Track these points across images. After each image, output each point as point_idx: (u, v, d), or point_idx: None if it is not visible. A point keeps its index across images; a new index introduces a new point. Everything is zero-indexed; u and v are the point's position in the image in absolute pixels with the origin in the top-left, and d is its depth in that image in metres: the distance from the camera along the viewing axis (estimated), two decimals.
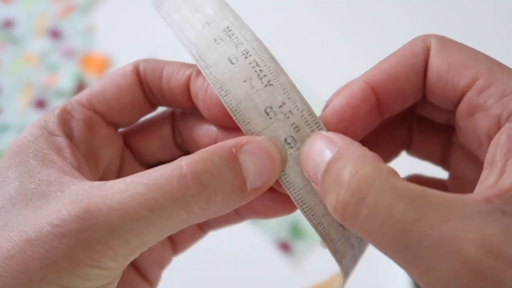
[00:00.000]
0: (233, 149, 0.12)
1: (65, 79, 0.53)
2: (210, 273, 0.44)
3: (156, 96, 0.15)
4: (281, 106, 0.14)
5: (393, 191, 0.11)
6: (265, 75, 0.14)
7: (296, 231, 0.46)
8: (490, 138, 0.12)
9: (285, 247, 0.45)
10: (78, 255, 0.10)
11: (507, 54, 0.49)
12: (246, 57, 0.14)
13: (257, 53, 0.14)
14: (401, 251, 0.10)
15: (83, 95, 0.15)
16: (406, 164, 0.17)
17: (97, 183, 0.12)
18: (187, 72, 0.15)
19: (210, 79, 0.14)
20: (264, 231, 0.45)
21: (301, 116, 0.14)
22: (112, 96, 0.15)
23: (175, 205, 0.11)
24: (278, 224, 0.45)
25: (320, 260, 0.44)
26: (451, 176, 0.15)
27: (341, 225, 0.14)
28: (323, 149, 0.12)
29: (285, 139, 0.13)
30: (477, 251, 0.10)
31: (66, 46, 0.55)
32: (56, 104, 0.51)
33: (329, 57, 0.55)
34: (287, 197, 0.14)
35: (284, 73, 0.14)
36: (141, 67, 0.16)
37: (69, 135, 0.14)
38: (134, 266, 0.15)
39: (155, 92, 0.16)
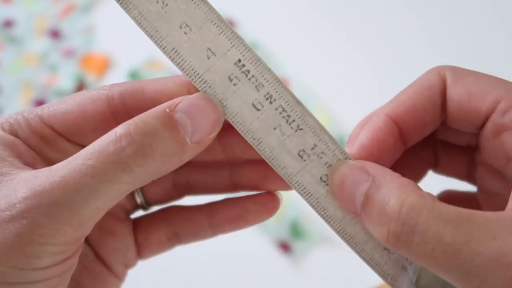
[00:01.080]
0: (167, 109, 0.13)
1: (65, 79, 0.52)
2: (210, 273, 0.44)
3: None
4: (313, 148, 0.14)
5: (440, 217, 0.12)
6: (293, 120, 0.14)
7: (296, 231, 0.46)
8: None
9: (285, 247, 0.45)
10: (25, 234, 0.11)
11: (507, 55, 0.49)
12: (271, 102, 0.14)
13: (281, 97, 0.14)
14: (454, 271, 0.11)
15: (46, 110, 0.14)
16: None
17: (46, 168, 0.12)
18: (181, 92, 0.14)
19: (239, 129, 0.14)
20: (264, 231, 0.45)
21: (333, 155, 0.14)
22: (74, 120, 0.14)
23: (115, 167, 0.11)
24: (278, 224, 0.45)
25: (320, 260, 0.45)
26: (479, 190, 0.16)
27: (385, 248, 0.15)
28: (356, 178, 0.13)
29: (321, 178, 0.15)
30: None
31: (66, 46, 0.55)
32: None
33: (325, 56, 0.55)
34: (270, 196, 0.15)
35: (311, 115, 0.14)
36: (116, 93, 0.15)
37: (25, 142, 0.14)
38: (101, 260, 0.16)
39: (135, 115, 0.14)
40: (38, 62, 0.54)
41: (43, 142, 0.14)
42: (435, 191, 0.17)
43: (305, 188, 0.15)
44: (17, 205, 0.11)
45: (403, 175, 0.14)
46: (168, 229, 0.17)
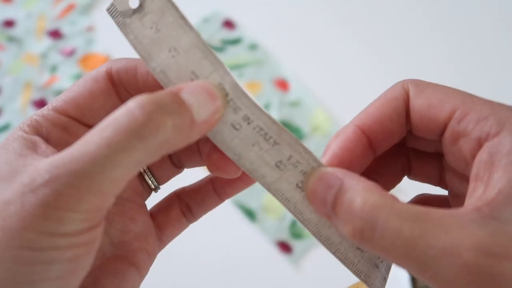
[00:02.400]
0: (173, 90, 0.14)
1: (65, 79, 0.52)
2: (210, 273, 0.44)
3: (134, 95, 0.14)
4: (289, 158, 0.15)
5: (399, 215, 0.13)
6: (270, 137, 0.15)
7: (296, 231, 0.46)
8: (474, 158, 0.14)
9: (285, 247, 0.45)
10: (49, 201, 0.12)
11: (507, 55, 0.49)
12: (248, 123, 0.15)
13: (258, 118, 0.15)
14: (412, 262, 0.13)
15: (58, 101, 0.16)
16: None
17: (66, 150, 0.13)
18: None
19: (220, 146, 0.15)
20: (264, 231, 0.45)
21: (307, 163, 0.15)
22: (84, 102, 0.15)
23: (128, 136, 0.12)
24: (278, 224, 0.46)
25: (320, 260, 0.45)
26: (450, 193, 0.17)
27: (358, 248, 0.16)
28: (327, 183, 0.14)
29: (297, 184, 0.16)
30: (473, 254, 0.12)
31: (66, 46, 0.55)
32: None
33: (325, 56, 0.55)
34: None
35: (286, 131, 0.15)
36: (114, 70, 0.16)
37: (45, 137, 0.15)
38: (123, 250, 0.17)
39: (133, 92, 0.16)
40: (38, 62, 0.53)
41: (64, 131, 0.15)
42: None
43: (283, 194, 0.16)
44: (39, 178, 0.12)
45: (378, 181, 0.16)
46: (181, 204, 0.18)
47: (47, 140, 0.14)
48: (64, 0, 0.58)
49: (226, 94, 0.14)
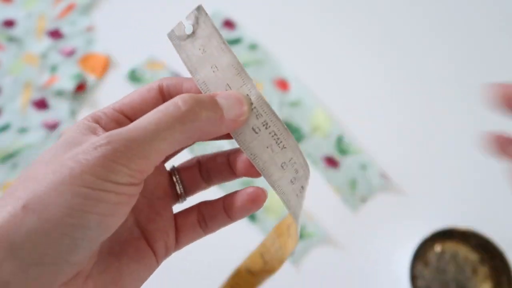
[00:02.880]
0: (210, 95, 0.18)
1: (65, 79, 0.52)
2: (210, 272, 0.43)
3: None
4: (290, 160, 0.19)
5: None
6: (281, 142, 0.18)
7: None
8: None
9: None
10: (107, 155, 0.15)
11: (507, 55, 0.49)
12: (266, 128, 0.18)
13: (274, 124, 0.18)
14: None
15: (117, 103, 0.19)
16: None
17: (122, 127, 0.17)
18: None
19: (241, 146, 0.19)
20: (264, 231, 0.45)
21: (299, 162, 0.19)
22: (138, 105, 0.19)
23: (172, 119, 0.16)
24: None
25: (319, 260, 0.45)
26: None
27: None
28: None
29: (291, 180, 0.19)
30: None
31: (66, 46, 0.55)
32: (56, 104, 0.51)
33: (325, 56, 0.55)
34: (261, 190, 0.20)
35: (291, 136, 0.19)
36: (164, 84, 0.19)
37: (103, 127, 0.18)
38: (145, 236, 0.19)
39: None
40: (38, 62, 0.53)
41: (118, 125, 0.18)
42: None
43: (282, 189, 0.19)
44: (101, 140, 0.16)
45: None
46: (198, 214, 0.21)
47: (104, 129, 0.18)
48: (64, 0, 0.57)
49: (251, 103, 0.18)
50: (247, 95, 0.18)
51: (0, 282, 0.14)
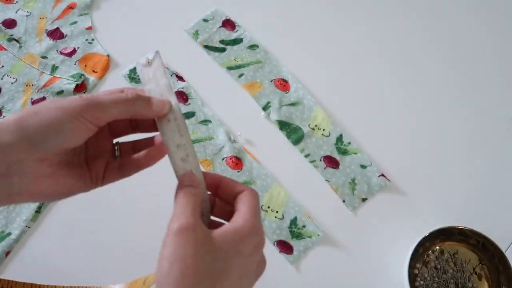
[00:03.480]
0: (147, 96, 0.29)
1: (65, 79, 0.51)
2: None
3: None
4: (184, 145, 0.30)
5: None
6: (180, 132, 0.30)
7: (296, 231, 0.46)
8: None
9: (285, 247, 0.45)
10: (84, 104, 0.25)
11: (507, 54, 0.48)
12: (174, 121, 0.30)
13: (180, 122, 0.30)
14: None
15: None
16: None
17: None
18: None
19: (158, 126, 0.29)
20: (264, 230, 0.45)
21: (190, 152, 0.30)
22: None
23: (121, 98, 0.27)
24: (278, 224, 0.45)
25: (319, 259, 0.45)
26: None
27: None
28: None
29: (182, 159, 0.29)
30: None
31: (66, 46, 0.54)
32: None
33: (324, 57, 0.55)
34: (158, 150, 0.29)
35: (187, 133, 0.30)
36: (126, 89, 0.29)
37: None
38: (87, 163, 0.30)
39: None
40: (38, 62, 0.53)
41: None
42: None
43: (174, 160, 0.29)
44: (82, 97, 0.26)
45: None
46: (119, 162, 0.30)
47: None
48: (64, 1, 0.57)
49: (171, 106, 0.30)
50: (170, 102, 0.30)
51: (3, 141, 0.24)
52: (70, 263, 0.43)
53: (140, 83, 0.51)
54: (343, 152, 0.49)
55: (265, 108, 0.50)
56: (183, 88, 0.51)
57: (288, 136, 0.49)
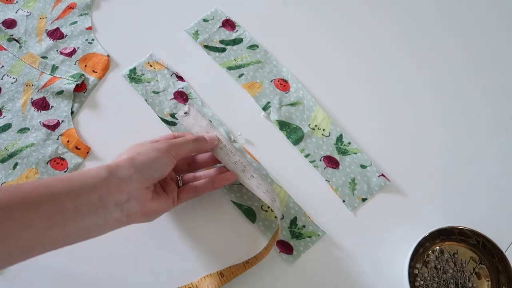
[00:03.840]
0: (203, 135, 0.43)
1: (65, 79, 0.51)
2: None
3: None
4: (239, 161, 0.42)
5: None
6: (232, 152, 0.43)
7: (295, 231, 0.45)
8: None
9: (285, 247, 0.45)
10: (167, 147, 0.37)
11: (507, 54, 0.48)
12: (225, 147, 0.42)
13: (229, 146, 0.42)
14: None
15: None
16: None
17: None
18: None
19: (215, 155, 0.43)
20: (265, 231, 0.45)
21: (245, 162, 0.43)
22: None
23: (189, 140, 0.40)
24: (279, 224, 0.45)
25: (319, 260, 0.45)
26: None
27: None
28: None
29: (241, 170, 0.42)
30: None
31: (66, 46, 0.54)
32: (56, 104, 0.50)
33: (324, 57, 0.54)
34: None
35: (238, 151, 0.43)
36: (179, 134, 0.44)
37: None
38: (164, 189, 0.40)
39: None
40: (38, 62, 0.52)
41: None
42: None
43: (237, 173, 0.41)
44: (164, 142, 0.38)
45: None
46: (192, 187, 0.42)
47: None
48: (64, 0, 0.57)
49: (218, 138, 0.41)
50: (216, 135, 0.42)
51: (126, 175, 0.33)
52: (73, 263, 0.42)
53: (141, 82, 0.51)
54: (343, 152, 0.49)
55: (265, 108, 0.50)
56: (183, 88, 0.51)
57: (288, 136, 0.49)
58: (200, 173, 0.43)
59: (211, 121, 0.45)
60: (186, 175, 0.43)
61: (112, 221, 0.32)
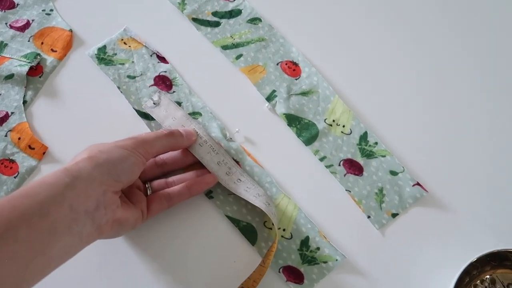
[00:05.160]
0: (178, 129, 0.45)
1: (16, 60, 0.51)
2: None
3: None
4: (223, 160, 0.44)
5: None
6: (214, 149, 0.44)
7: (307, 255, 0.45)
8: None
9: (293, 274, 0.44)
10: (136, 142, 0.39)
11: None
12: (206, 143, 0.44)
13: (211, 141, 0.44)
14: None
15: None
16: None
17: None
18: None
19: (194, 153, 0.44)
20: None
21: (230, 163, 0.45)
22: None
23: (162, 135, 0.42)
24: (286, 245, 0.45)
25: None
26: None
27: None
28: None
29: (226, 172, 0.44)
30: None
31: (17, 18, 0.54)
32: (5, 92, 0.50)
33: (343, 35, 0.54)
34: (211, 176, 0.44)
35: (222, 148, 0.45)
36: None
37: None
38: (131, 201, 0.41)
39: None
40: None
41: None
42: None
43: (220, 177, 0.43)
44: (129, 138, 0.40)
45: None
46: (164, 194, 0.43)
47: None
48: None
49: (197, 132, 0.44)
50: (194, 129, 0.44)
51: (90, 176, 0.33)
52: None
53: (113, 65, 0.52)
54: (368, 155, 0.48)
55: (270, 98, 0.50)
56: (165, 72, 0.51)
57: (299, 134, 0.49)
58: (174, 177, 0.44)
59: (208, 115, 0.46)
60: (156, 181, 0.43)
61: (85, 235, 0.33)
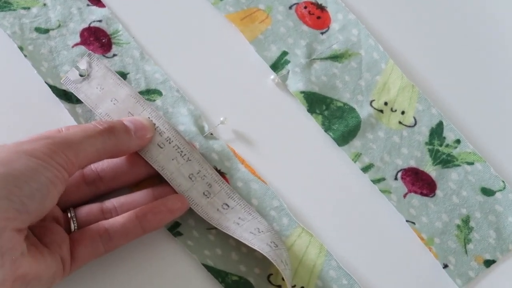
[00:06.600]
0: (119, 120, 0.38)
1: None
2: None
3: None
4: (198, 172, 0.37)
5: None
6: (185, 154, 0.37)
7: None
8: None
9: None
10: (51, 144, 0.32)
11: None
12: (169, 143, 0.37)
13: (177, 139, 0.37)
14: None
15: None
16: None
17: None
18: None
19: (149, 161, 0.37)
20: None
21: (211, 177, 0.37)
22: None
23: (94, 132, 0.34)
24: None
25: None
26: None
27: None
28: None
29: (203, 193, 0.37)
30: None
31: None
32: None
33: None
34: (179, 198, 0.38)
35: (196, 151, 0.38)
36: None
37: None
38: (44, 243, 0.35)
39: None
40: None
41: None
42: None
43: (194, 200, 0.37)
44: (43, 138, 0.33)
45: None
46: (102, 228, 0.37)
47: None
48: None
49: (154, 124, 0.37)
50: (149, 117, 0.37)
51: None
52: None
53: (11, 9, 0.46)
54: (445, 161, 0.43)
55: (278, 65, 0.44)
56: (100, 21, 0.46)
57: (327, 127, 0.43)
58: (114, 201, 0.38)
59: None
60: (85, 208, 0.37)
61: None
